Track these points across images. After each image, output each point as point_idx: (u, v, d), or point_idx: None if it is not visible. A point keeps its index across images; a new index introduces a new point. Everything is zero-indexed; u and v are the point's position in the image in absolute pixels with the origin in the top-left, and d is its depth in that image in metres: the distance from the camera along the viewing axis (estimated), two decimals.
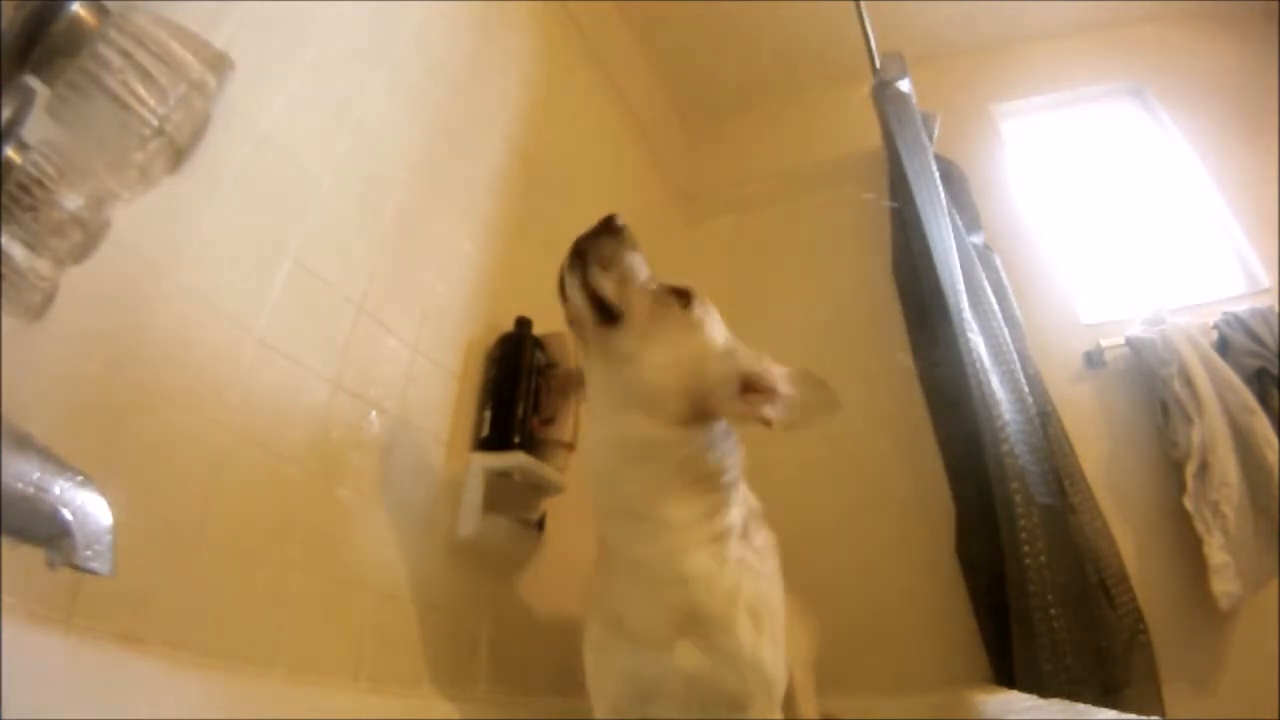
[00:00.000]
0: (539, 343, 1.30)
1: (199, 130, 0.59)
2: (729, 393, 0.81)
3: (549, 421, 1.27)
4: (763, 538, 0.89)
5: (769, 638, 0.81)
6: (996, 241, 1.94)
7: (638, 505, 0.80)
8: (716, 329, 0.88)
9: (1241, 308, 1.71)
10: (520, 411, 1.22)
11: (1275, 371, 1.59)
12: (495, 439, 1.20)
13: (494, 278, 1.36)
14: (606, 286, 0.85)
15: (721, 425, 0.83)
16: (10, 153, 0.52)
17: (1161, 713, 1.31)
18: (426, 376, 1.16)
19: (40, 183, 0.53)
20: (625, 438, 0.81)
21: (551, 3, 1.81)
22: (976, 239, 1.87)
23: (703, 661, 0.78)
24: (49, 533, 0.48)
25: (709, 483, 0.81)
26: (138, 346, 0.73)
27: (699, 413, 0.80)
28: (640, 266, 0.89)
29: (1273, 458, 1.48)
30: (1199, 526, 1.50)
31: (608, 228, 0.90)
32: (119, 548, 0.51)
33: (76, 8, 0.52)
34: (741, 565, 0.82)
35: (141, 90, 0.53)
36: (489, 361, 1.28)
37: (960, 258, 1.60)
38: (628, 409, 0.80)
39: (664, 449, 0.79)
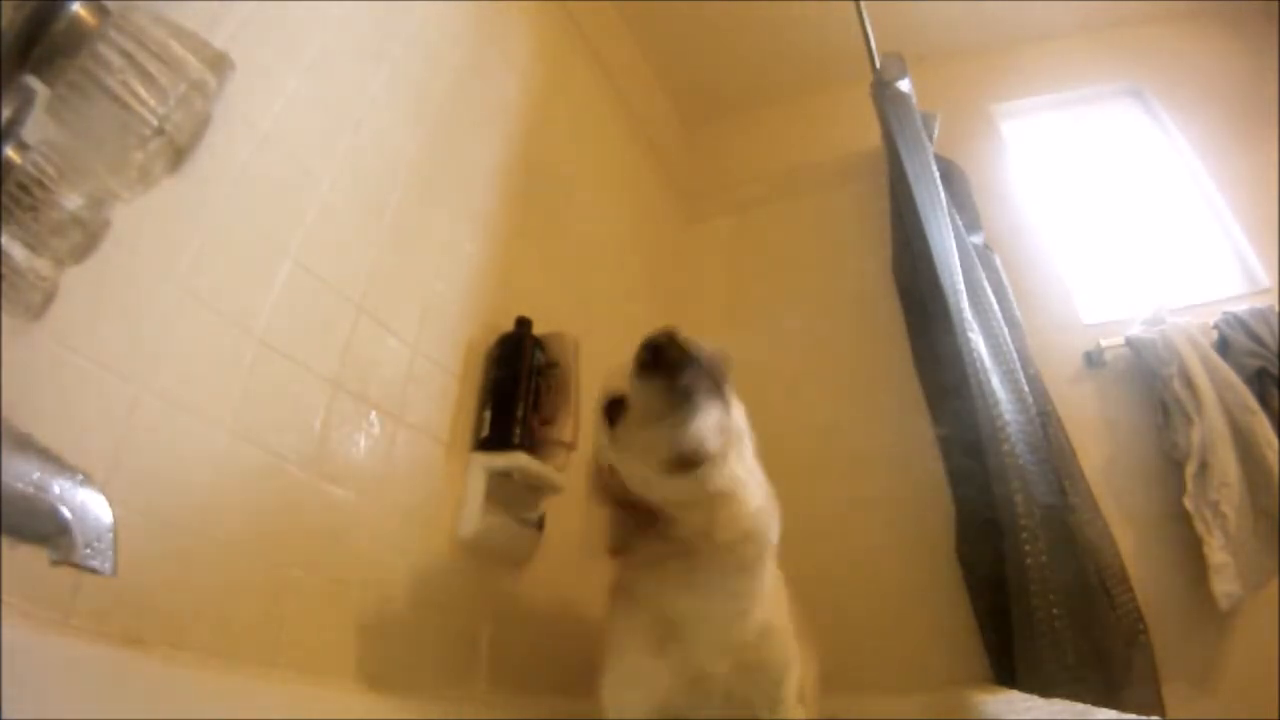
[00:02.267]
0: (539, 343, 1.31)
1: (199, 130, 0.59)
2: None
3: (549, 421, 1.27)
4: None
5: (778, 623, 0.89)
6: (996, 241, 1.94)
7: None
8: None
9: (1241, 308, 1.70)
10: (520, 411, 1.22)
11: (1275, 371, 1.58)
12: (495, 439, 1.20)
13: (494, 278, 1.36)
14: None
15: None
16: (10, 153, 0.53)
17: (1161, 713, 1.31)
18: (426, 376, 1.16)
19: (40, 183, 0.53)
20: None
21: (551, 3, 1.81)
22: (976, 239, 1.87)
23: (754, 679, 0.85)
24: (49, 532, 0.48)
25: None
26: (138, 346, 0.73)
27: None
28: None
29: (1273, 458, 1.48)
30: (1199, 526, 1.49)
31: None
32: (119, 548, 0.51)
33: (76, 8, 0.52)
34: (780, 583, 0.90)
35: (141, 90, 0.54)
36: (489, 361, 1.28)
37: (960, 258, 1.60)
38: None
39: None
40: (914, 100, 1.91)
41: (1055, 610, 1.25)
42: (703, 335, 2.38)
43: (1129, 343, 1.76)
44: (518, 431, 1.20)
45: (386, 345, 1.09)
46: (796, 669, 0.88)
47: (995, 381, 1.44)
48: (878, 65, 1.97)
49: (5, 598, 0.55)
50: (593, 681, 0.91)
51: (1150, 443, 1.69)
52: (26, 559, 0.49)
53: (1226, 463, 1.51)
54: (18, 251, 0.54)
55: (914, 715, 1.33)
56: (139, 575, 0.67)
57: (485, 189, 1.41)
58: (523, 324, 1.31)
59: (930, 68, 2.19)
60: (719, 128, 2.68)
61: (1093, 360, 1.81)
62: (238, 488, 0.82)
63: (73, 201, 0.55)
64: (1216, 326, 1.69)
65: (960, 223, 1.79)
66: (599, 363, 1.52)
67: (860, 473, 1.80)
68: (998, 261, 1.85)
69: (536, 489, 1.27)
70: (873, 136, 2.02)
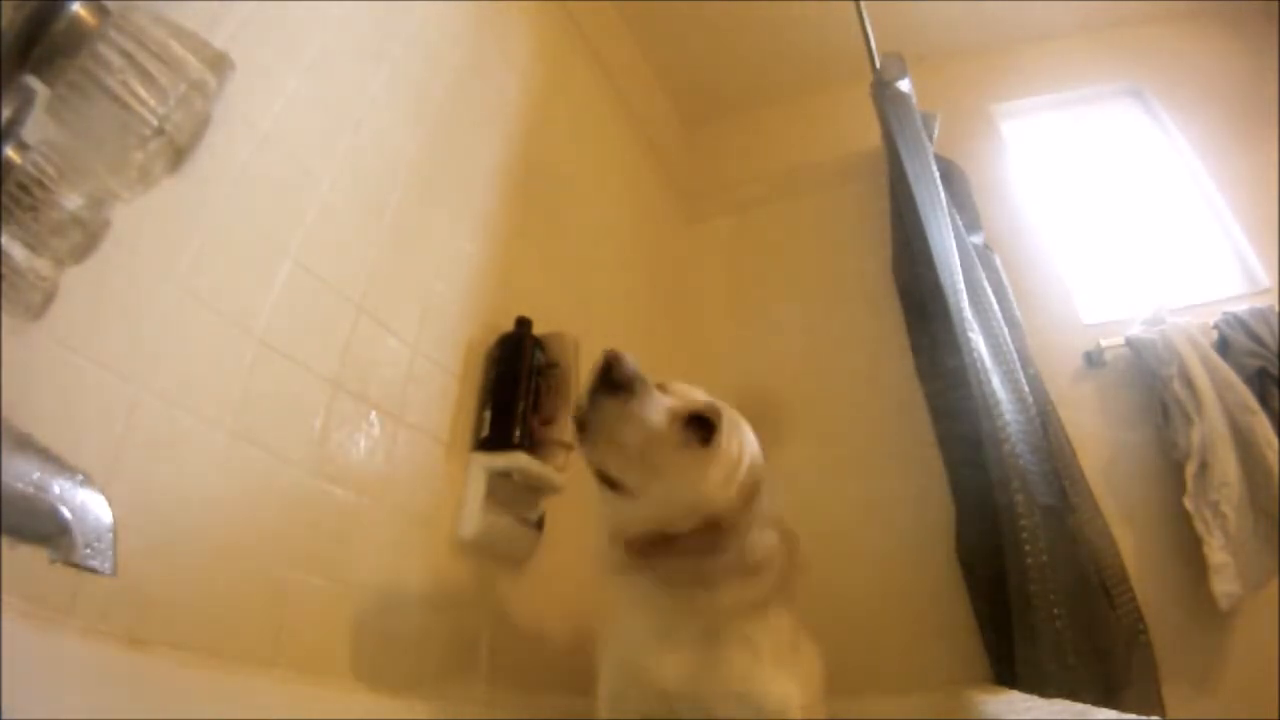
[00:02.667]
0: (539, 343, 1.31)
1: (199, 130, 0.59)
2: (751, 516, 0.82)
3: (549, 421, 1.27)
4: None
5: (771, 664, 0.84)
6: (996, 241, 1.94)
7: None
8: (738, 452, 0.83)
9: (1241, 308, 1.70)
10: (520, 411, 1.22)
11: (1275, 371, 1.59)
12: (495, 439, 1.20)
13: (494, 278, 1.36)
14: (612, 462, 0.80)
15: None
16: (10, 153, 0.53)
17: (1162, 713, 1.31)
18: (426, 376, 1.16)
19: (40, 183, 0.53)
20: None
21: (551, 3, 1.81)
22: (976, 239, 1.87)
23: (710, 692, 0.82)
24: (49, 532, 0.48)
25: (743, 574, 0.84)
26: (138, 346, 0.73)
27: (724, 532, 0.80)
28: (651, 413, 0.79)
29: (1273, 458, 1.48)
30: (1199, 526, 1.49)
31: (609, 384, 0.78)
32: (119, 548, 0.51)
33: (76, 8, 0.52)
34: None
35: (141, 90, 0.54)
36: (489, 361, 1.28)
37: (960, 258, 1.60)
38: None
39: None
40: (914, 100, 1.91)
41: (1055, 610, 1.25)
42: (703, 335, 2.38)
43: (1129, 343, 1.76)
44: (518, 431, 1.20)
45: (386, 345, 1.09)
46: (796, 698, 0.85)
47: (995, 381, 1.44)
48: (878, 65, 1.97)
49: (5, 598, 0.55)
50: (592, 681, 0.91)
51: (1150, 443, 1.69)
52: (26, 559, 0.49)
53: (1226, 463, 1.51)
54: (18, 251, 0.54)
55: (914, 715, 1.33)
56: (139, 575, 0.67)
57: (485, 189, 1.41)
58: (523, 324, 1.31)
59: (930, 68, 2.19)
60: (719, 128, 2.68)
61: (1093, 360, 1.81)
62: (238, 488, 0.82)
63: (73, 201, 0.55)
64: (1216, 326, 1.69)
65: (960, 223, 1.79)
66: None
67: (860, 473, 1.80)
68: (998, 261, 1.85)
69: (536, 489, 1.27)
70: (873, 136, 2.02)
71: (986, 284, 1.68)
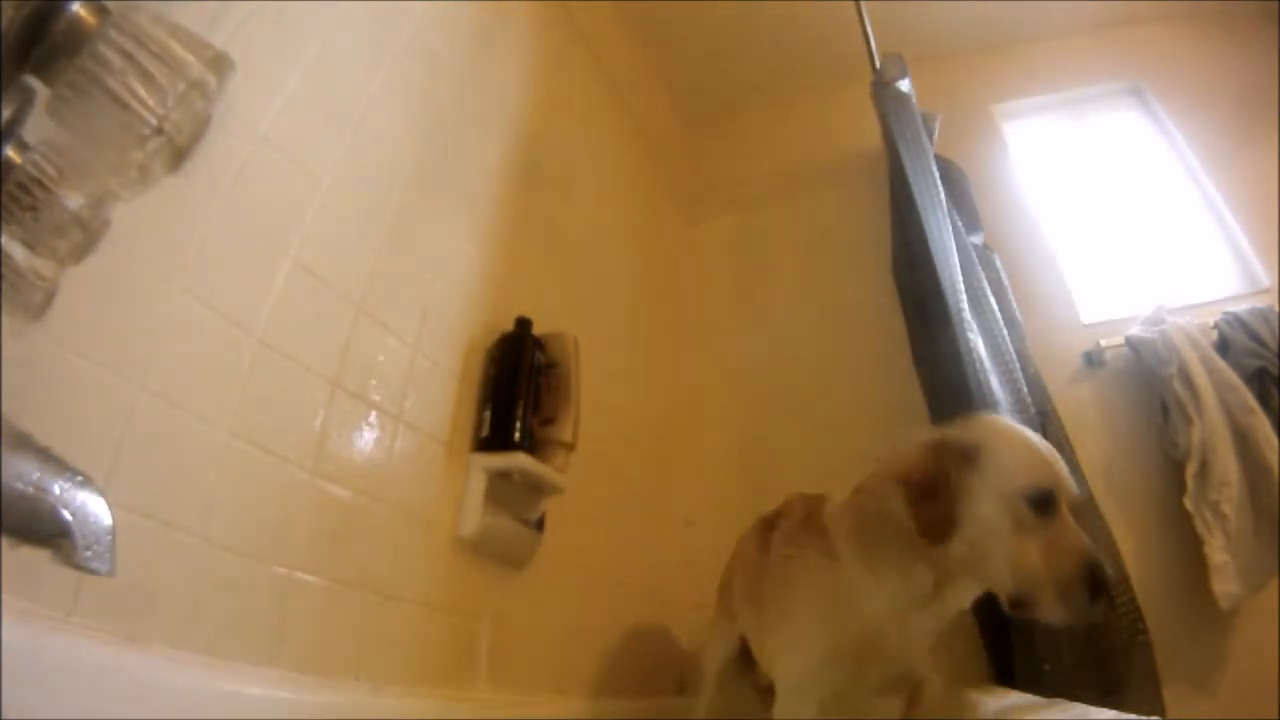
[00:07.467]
0: (539, 343, 1.31)
1: (199, 130, 0.59)
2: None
3: (549, 421, 1.27)
4: None
5: None
6: (996, 241, 1.94)
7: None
8: None
9: (1241, 308, 1.70)
10: (520, 411, 1.22)
11: (1275, 371, 1.59)
12: (495, 439, 1.20)
13: (494, 278, 1.36)
14: None
15: None
16: (10, 153, 0.52)
17: (1161, 713, 1.30)
18: (426, 376, 1.16)
19: (40, 183, 0.53)
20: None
21: (551, 2, 1.81)
22: (976, 239, 1.87)
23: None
24: (49, 532, 0.48)
25: None
26: (138, 346, 0.73)
27: None
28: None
29: (1273, 457, 1.48)
30: (1199, 526, 1.49)
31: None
32: (120, 547, 0.51)
33: (76, 8, 0.52)
34: None
35: (141, 90, 0.54)
36: (489, 361, 1.28)
37: (960, 258, 1.60)
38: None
39: None
40: (914, 100, 1.91)
41: None
42: (702, 335, 2.37)
43: (1129, 343, 1.76)
44: (518, 431, 1.20)
45: (386, 345, 1.09)
46: None
47: (994, 382, 1.44)
48: (878, 65, 1.97)
49: (5, 598, 0.55)
50: (591, 681, 0.91)
51: (1150, 443, 1.69)
52: (27, 559, 0.49)
53: (1226, 463, 1.51)
54: (18, 251, 0.54)
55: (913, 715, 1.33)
56: (139, 575, 0.67)
57: (485, 189, 1.41)
58: (523, 324, 1.31)
59: (930, 68, 2.18)
60: (719, 128, 2.68)
61: (1093, 360, 1.81)
62: (238, 488, 0.82)
63: (73, 201, 0.55)
64: (1216, 326, 1.69)
65: (960, 223, 1.79)
66: (599, 363, 1.52)
67: (860, 472, 1.79)
68: (998, 261, 1.85)
69: (536, 489, 1.27)
70: (873, 136, 2.02)
71: (986, 284, 1.68)
